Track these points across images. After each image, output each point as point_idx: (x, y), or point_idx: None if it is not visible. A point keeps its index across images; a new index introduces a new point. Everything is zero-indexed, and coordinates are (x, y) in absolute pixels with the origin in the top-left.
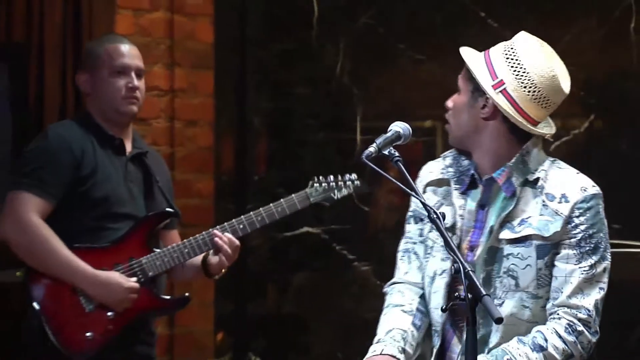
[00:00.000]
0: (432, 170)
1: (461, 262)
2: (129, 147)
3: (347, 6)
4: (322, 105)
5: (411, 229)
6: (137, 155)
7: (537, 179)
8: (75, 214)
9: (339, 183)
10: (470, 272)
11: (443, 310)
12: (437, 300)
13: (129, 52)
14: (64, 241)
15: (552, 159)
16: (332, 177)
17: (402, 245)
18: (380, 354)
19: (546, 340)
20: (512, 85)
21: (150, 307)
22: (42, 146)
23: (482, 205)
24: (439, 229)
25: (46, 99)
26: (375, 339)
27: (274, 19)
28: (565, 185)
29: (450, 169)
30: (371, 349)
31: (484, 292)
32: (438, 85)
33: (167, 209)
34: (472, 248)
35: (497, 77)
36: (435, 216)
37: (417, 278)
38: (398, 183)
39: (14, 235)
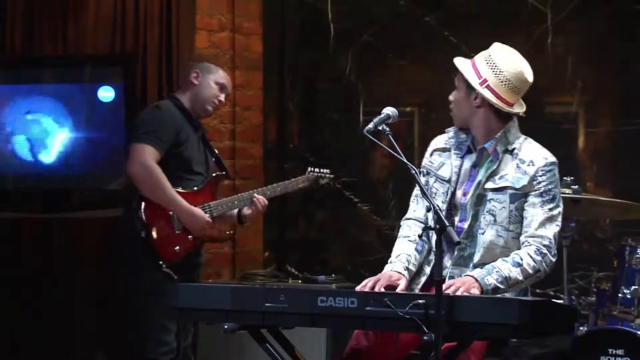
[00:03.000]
0: (439, 140)
1: (432, 204)
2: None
3: (354, 27)
4: (336, 96)
5: (421, 180)
6: (203, 134)
7: (514, 149)
8: (170, 166)
9: (322, 175)
10: (439, 210)
11: (419, 237)
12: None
13: (228, 82)
14: None
15: (525, 136)
16: (317, 169)
17: (414, 192)
18: (390, 271)
19: (522, 259)
20: (492, 82)
21: (213, 235)
22: (157, 113)
23: (475, 166)
24: (416, 180)
25: (148, 93)
26: (388, 262)
27: (304, 37)
28: (533, 154)
29: (451, 140)
30: (384, 268)
31: (447, 224)
32: (415, 83)
33: (225, 173)
34: (464, 194)
35: (482, 77)
36: (414, 171)
37: (421, 215)
38: (389, 149)
39: (138, 174)
